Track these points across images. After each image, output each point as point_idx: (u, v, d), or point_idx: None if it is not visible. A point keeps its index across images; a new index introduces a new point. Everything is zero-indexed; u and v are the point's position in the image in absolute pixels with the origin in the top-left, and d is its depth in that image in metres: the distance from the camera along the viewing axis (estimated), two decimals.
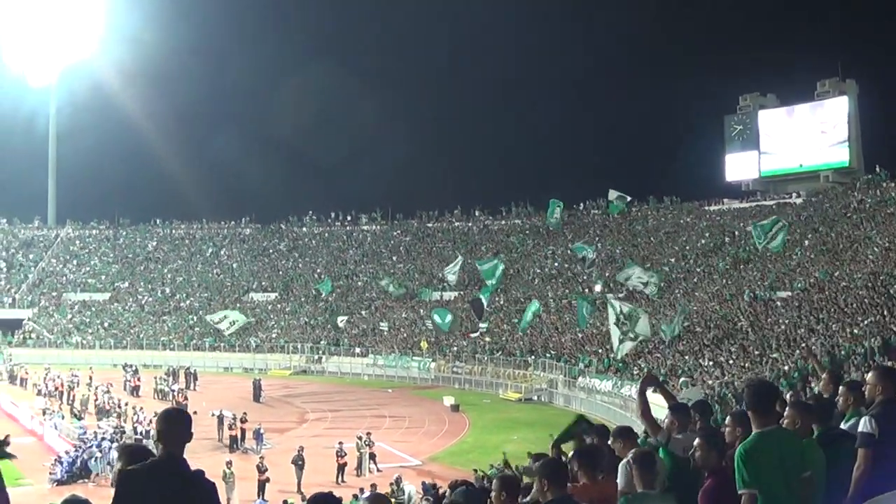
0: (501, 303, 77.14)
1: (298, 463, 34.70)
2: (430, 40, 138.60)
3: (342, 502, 5.67)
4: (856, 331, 42.89)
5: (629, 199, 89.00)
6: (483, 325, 70.07)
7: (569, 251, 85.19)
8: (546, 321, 69.91)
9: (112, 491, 5.41)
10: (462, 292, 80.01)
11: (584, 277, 77.17)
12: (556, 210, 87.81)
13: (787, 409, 7.40)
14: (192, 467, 5.59)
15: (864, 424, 7.02)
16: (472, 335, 71.08)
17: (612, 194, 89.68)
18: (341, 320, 78.16)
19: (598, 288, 73.62)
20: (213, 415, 46.83)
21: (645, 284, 65.67)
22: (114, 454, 36.34)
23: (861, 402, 7.77)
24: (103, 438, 39.22)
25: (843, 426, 7.73)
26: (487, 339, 69.31)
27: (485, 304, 69.82)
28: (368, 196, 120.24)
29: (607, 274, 76.10)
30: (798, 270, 61.42)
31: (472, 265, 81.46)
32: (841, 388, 8.25)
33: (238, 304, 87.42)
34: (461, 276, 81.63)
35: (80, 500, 5.90)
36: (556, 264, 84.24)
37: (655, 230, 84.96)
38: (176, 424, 5.69)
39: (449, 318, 68.72)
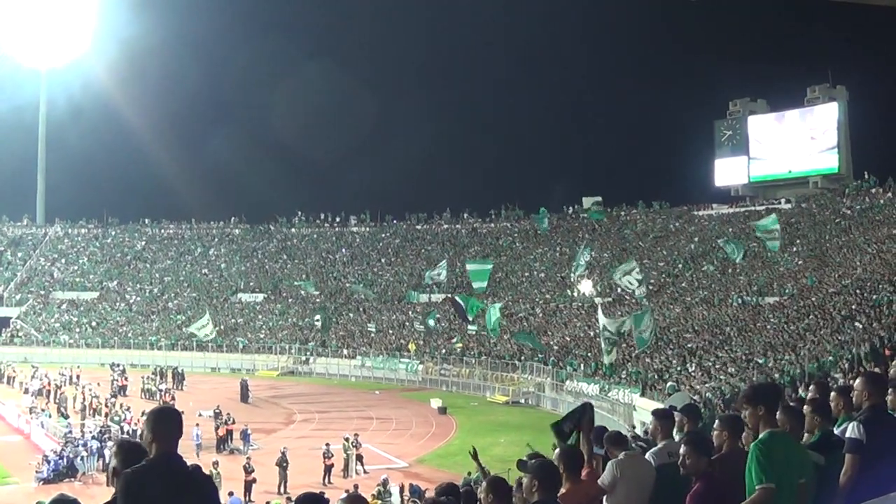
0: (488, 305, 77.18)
1: (282, 465, 34.69)
2: (423, 43, 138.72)
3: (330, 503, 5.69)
4: (843, 337, 43.00)
5: (599, 200, 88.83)
6: (472, 328, 69.86)
7: (557, 254, 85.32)
8: (534, 324, 70.00)
9: (99, 489, 5.43)
10: (450, 294, 79.94)
11: (571, 281, 77.05)
12: (546, 218, 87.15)
13: (777, 413, 7.40)
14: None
15: (852, 430, 7.05)
16: (453, 341, 70.96)
17: (588, 202, 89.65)
18: (316, 319, 77.98)
19: (586, 291, 73.65)
20: (200, 415, 46.98)
21: (639, 283, 65.19)
22: (107, 452, 36.36)
23: (852, 407, 7.80)
24: (92, 437, 39.20)
25: (834, 431, 7.75)
26: (458, 345, 69.48)
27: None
28: (357, 197, 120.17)
29: (594, 278, 76.15)
30: (786, 276, 61.58)
31: (460, 266, 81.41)
32: (832, 393, 8.28)
33: (226, 305, 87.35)
34: (449, 277, 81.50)
35: (69, 499, 5.90)
36: (544, 267, 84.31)
37: (644, 234, 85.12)
38: (168, 423, 5.69)
39: (431, 321, 68.82)
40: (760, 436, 6.74)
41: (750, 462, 6.58)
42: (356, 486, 29.71)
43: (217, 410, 46.69)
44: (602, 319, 49.58)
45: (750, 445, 6.77)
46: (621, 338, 50.04)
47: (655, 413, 9.12)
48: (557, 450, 8.12)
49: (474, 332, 69.17)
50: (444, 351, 69.81)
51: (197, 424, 42.36)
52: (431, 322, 69.38)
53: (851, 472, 6.93)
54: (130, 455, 5.85)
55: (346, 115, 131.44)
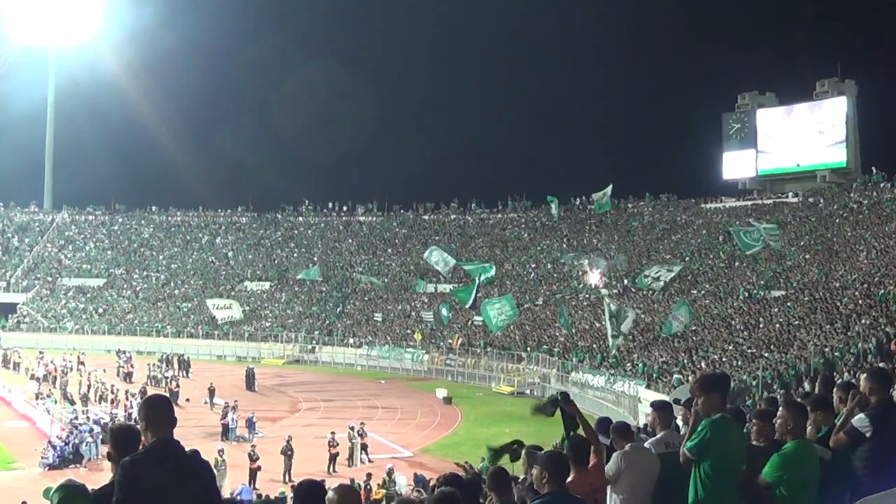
0: (495, 296, 77.04)
1: (287, 453, 34.73)
2: (429, 34, 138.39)
3: None
4: (849, 332, 42.96)
5: (608, 191, 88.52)
6: (479, 318, 69.73)
7: (565, 246, 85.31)
8: (541, 316, 70.00)
9: (104, 475, 5.46)
10: (457, 285, 79.95)
11: (579, 273, 76.96)
12: (553, 205, 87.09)
13: (780, 409, 7.43)
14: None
15: (860, 420, 7.07)
16: (449, 341, 70.56)
17: (596, 195, 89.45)
18: (337, 308, 78.09)
19: (592, 282, 73.65)
20: (205, 402, 47.29)
21: (657, 279, 65.30)
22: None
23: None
24: (95, 423, 39.27)
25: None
26: (456, 343, 69.50)
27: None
28: (365, 187, 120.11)
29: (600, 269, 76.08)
30: (793, 270, 61.51)
31: (466, 256, 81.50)
32: (835, 389, 8.30)
33: (233, 293, 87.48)
34: (457, 268, 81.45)
35: (77, 484, 5.94)
36: (551, 259, 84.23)
37: (651, 227, 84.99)
38: (160, 409, 5.77)
39: (445, 311, 68.72)
40: (714, 417, 7.02)
41: (696, 432, 6.97)
42: (369, 476, 29.82)
43: (211, 388, 50.66)
44: (609, 303, 49.85)
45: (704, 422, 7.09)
46: (617, 320, 50.31)
47: (654, 404, 9.19)
48: (567, 441, 8.26)
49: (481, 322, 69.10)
50: (448, 342, 69.82)
51: (234, 409, 43.14)
52: (444, 312, 68.83)
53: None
54: (122, 439, 5.94)
55: (353, 106, 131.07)
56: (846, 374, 33.47)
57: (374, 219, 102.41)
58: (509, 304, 59.98)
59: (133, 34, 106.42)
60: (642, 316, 61.09)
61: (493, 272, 68.75)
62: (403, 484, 30.05)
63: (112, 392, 49.83)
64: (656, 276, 66.00)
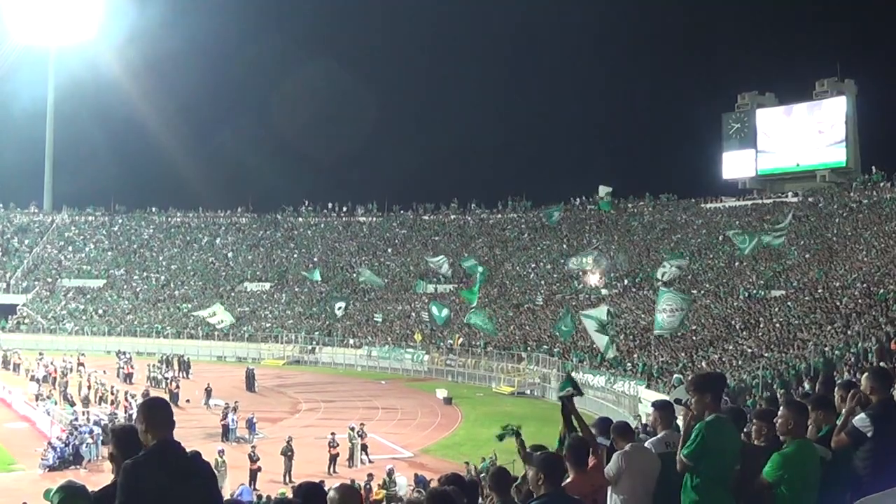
0: (495, 296, 77.22)
1: (287, 454, 34.71)
2: (429, 34, 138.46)
3: None
4: (849, 331, 42.93)
5: (610, 189, 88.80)
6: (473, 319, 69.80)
7: (565, 246, 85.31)
8: (541, 316, 70.01)
9: (104, 477, 5.46)
10: (457, 285, 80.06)
11: (580, 273, 76.96)
12: (556, 213, 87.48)
13: (780, 408, 7.42)
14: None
15: (861, 420, 7.06)
16: (449, 342, 70.41)
17: (602, 191, 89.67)
18: (339, 307, 77.91)
19: (593, 282, 73.76)
20: (204, 404, 47.24)
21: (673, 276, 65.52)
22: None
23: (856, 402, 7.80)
24: (96, 424, 39.25)
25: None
26: (456, 343, 69.30)
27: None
28: (365, 187, 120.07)
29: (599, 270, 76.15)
30: (793, 269, 61.51)
31: (467, 256, 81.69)
32: (836, 388, 8.29)
33: (232, 294, 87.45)
34: (457, 269, 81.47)
35: (77, 485, 5.94)
36: (551, 259, 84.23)
37: (651, 227, 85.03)
38: (160, 411, 5.77)
39: (445, 311, 68.47)
40: (707, 418, 7.04)
41: (691, 438, 6.98)
42: (370, 476, 29.80)
43: (208, 388, 51.22)
44: (595, 312, 49.73)
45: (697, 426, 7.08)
46: (608, 327, 50.14)
47: (656, 404, 9.17)
48: (568, 441, 8.27)
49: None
50: (449, 342, 69.81)
51: (234, 410, 43.00)
52: (434, 311, 68.69)
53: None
54: (125, 440, 5.95)
55: (353, 106, 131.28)
56: (846, 373, 33.45)
57: (374, 219, 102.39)
58: (483, 314, 60.62)
59: (133, 34, 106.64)
60: (642, 316, 61.19)
61: (482, 270, 69.18)
62: (404, 484, 30.04)
63: (112, 393, 49.77)
64: (670, 276, 66.12)
